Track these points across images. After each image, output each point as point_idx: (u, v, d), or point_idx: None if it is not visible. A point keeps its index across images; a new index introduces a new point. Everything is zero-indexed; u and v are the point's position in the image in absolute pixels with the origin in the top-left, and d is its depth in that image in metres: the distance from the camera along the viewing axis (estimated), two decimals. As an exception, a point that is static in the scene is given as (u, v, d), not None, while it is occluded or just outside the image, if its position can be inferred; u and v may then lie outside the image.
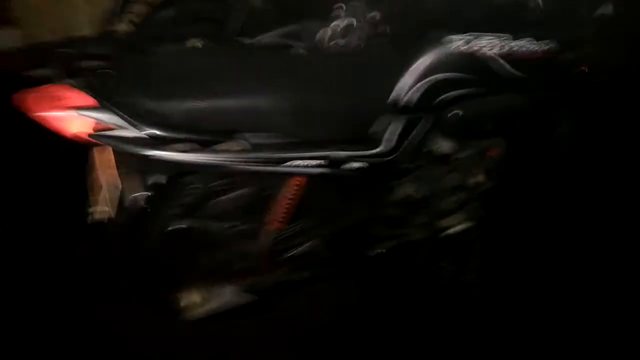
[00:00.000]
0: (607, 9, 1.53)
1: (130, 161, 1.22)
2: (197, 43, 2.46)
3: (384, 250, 1.60)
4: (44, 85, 1.07)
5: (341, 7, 2.48)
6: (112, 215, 1.22)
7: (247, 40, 2.37)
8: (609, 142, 1.81)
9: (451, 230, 1.69)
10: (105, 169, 1.24)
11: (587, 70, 1.58)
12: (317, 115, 1.25)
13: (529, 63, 1.36)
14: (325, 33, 2.53)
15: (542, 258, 1.85)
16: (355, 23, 2.52)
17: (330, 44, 2.57)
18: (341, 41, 2.58)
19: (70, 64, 1.12)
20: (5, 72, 2.24)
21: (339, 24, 2.52)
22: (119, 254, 1.32)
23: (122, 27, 2.40)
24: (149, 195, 1.20)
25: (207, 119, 1.12)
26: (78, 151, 1.24)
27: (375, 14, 2.61)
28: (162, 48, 2.33)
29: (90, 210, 1.26)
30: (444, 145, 1.53)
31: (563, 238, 1.87)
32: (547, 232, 1.87)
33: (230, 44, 2.36)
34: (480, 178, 1.71)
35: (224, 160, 1.13)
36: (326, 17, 2.50)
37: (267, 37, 2.41)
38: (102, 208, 1.25)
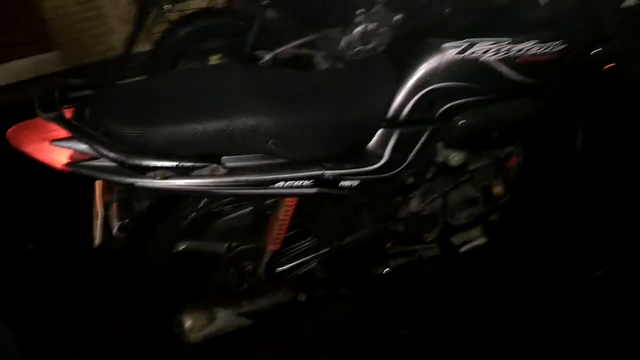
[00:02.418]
0: (631, 1, 1.38)
1: (115, 188, 1.23)
2: (217, 59, 2.50)
3: (390, 269, 1.52)
4: (30, 119, 1.10)
5: (363, 13, 2.43)
6: (97, 242, 1.23)
7: (266, 54, 2.36)
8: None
9: (465, 247, 1.59)
10: (96, 196, 1.26)
11: (613, 68, 1.43)
12: (304, 135, 1.20)
13: (537, 66, 1.24)
14: (347, 40, 2.48)
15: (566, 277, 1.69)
16: (376, 28, 2.45)
17: (352, 50, 2.51)
18: (363, 47, 2.52)
19: (62, 93, 1.13)
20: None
21: (360, 30, 2.46)
22: (118, 278, 1.33)
23: (146, 46, 2.46)
24: (136, 220, 1.20)
25: (184, 144, 1.10)
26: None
27: (399, 17, 2.52)
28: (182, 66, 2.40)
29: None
30: (452, 157, 1.43)
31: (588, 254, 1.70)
32: (569, 246, 1.71)
33: (247, 59, 2.37)
34: (498, 189, 1.60)
35: (204, 185, 1.11)
36: (347, 24, 2.45)
37: (287, 49, 2.39)
38: (94, 235, 1.27)
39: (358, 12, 2.41)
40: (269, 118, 1.13)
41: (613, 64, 1.43)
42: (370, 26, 2.45)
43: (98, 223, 1.24)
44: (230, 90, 1.17)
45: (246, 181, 1.13)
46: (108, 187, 1.25)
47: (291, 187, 1.18)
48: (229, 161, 1.13)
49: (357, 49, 2.50)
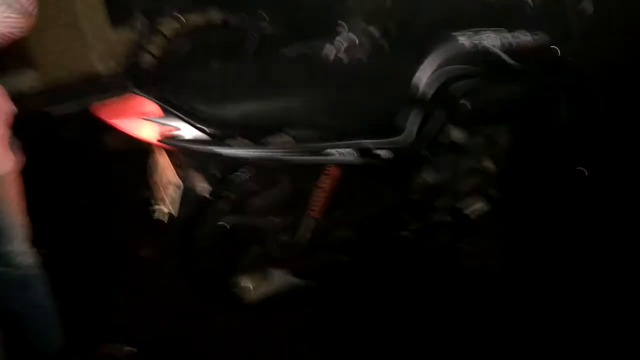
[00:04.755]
0: (588, 6, 1.73)
1: (187, 162, 1.39)
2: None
3: (410, 233, 1.76)
4: (118, 97, 1.26)
5: (342, 26, 2.71)
6: (174, 212, 1.37)
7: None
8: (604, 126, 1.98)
9: (468, 211, 1.86)
10: (165, 170, 1.41)
11: (573, 60, 1.76)
12: (348, 111, 1.43)
13: (524, 54, 1.55)
14: (330, 50, 2.75)
15: (551, 240, 2.00)
16: (356, 40, 2.74)
17: (335, 59, 2.79)
18: (345, 57, 2.80)
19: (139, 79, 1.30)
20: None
21: (341, 41, 2.74)
22: (179, 247, 1.47)
23: (145, 58, 2.60)
24: (210, 191, 1.36)
25: (256, 120, 1.30)
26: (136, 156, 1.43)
27: (374, 29, 2.84)
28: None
29: (154, 208, 1.42)
30: (456, 134, 1.70)
31: (568, 215, 2.03)
32: (556, 212, 2.02)
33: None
34: (488, 163, 1.89)
35: (273, 153, 1.31)
36: (330, 36, 2.72)
37: (278, 58, 2.63)
38: (164, 206, 1.41)
39: (339, 24, 2.71)
40: (322, 97, 1.36)
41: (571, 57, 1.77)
42: (350, 37, 2.75)
43: (164, 196, 1.39)
44: (287, 75, 1.39)
45: (306, 148, 1.34)
46: (175, 161, 1.40)
47: (340, 154, 1.40)
48: (294, 133, 1.34)
49: (339, 58, 2.78)
